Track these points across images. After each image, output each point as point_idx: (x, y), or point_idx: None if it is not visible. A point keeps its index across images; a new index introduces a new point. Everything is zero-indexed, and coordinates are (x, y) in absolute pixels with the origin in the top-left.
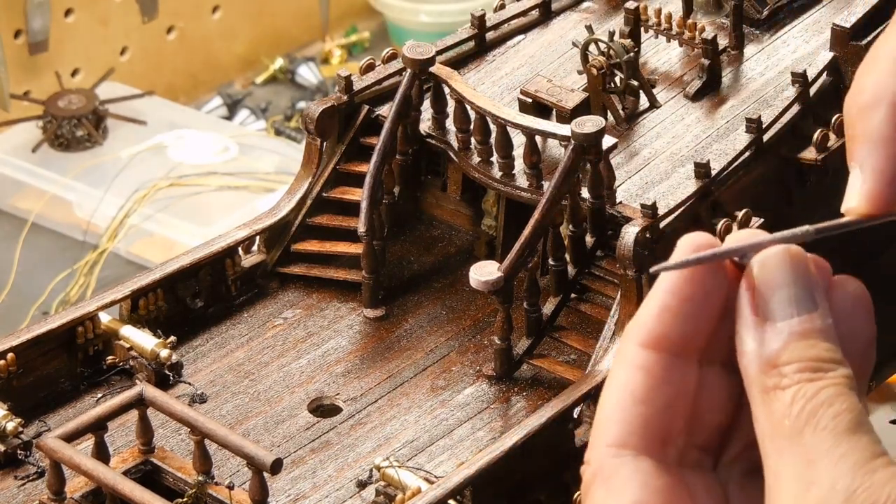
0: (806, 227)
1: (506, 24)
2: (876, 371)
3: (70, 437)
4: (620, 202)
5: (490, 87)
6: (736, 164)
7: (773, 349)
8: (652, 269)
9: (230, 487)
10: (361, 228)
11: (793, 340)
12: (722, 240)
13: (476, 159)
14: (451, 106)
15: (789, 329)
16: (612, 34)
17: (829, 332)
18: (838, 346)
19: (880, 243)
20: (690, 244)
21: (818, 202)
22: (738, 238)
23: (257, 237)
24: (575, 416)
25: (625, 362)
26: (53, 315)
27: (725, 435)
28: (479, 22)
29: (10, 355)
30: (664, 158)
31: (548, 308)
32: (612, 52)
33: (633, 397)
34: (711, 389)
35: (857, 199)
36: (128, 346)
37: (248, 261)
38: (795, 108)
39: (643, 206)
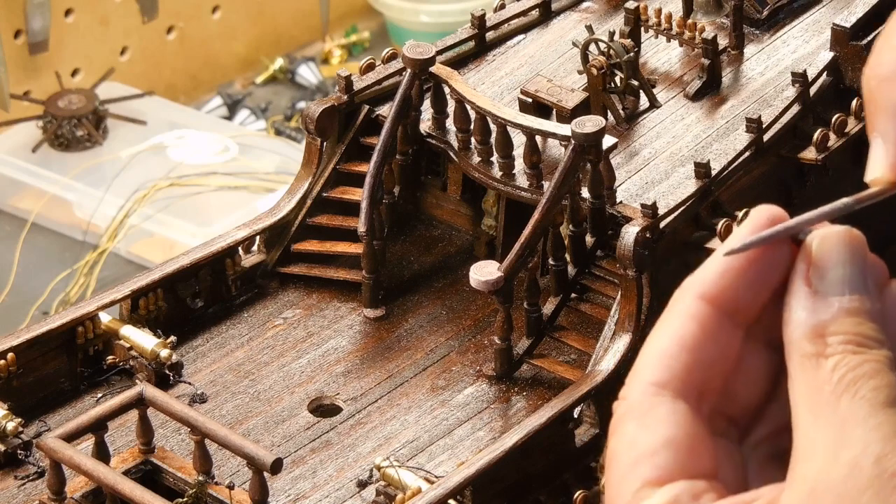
0: (844, 200)
1: (506, 24)
2: None
3: (70, 437)
4: (620, 202)
5: (490, 87)
6: (736, 164)
7: (821, 319)
8: (725, 252)
9: (230, 487)
10: (361, 228)
11: (841, 315)
12: (722, 240)
13: (476, 159)
14: (451, 106)
15: (839, 304)
16: (612, 34)
17: (876, 316)
18: (884, 330)
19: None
20: (765, 217)
21: (818, 202)
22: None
23: (257, 237)
24: (575, 416)
25: (680, 311)
26: (53, 315)
27: (755, 414)
28: (479, 22)
29: (10, 355)
30: (664, 158)
31: (548, 308)
32: (612, 52)
33: (681, 344)
34: (750, 364)
35: (882, 168)
36: (128, 346)
37: (248, 261)
38: (795, 108)
39: (643, 206)
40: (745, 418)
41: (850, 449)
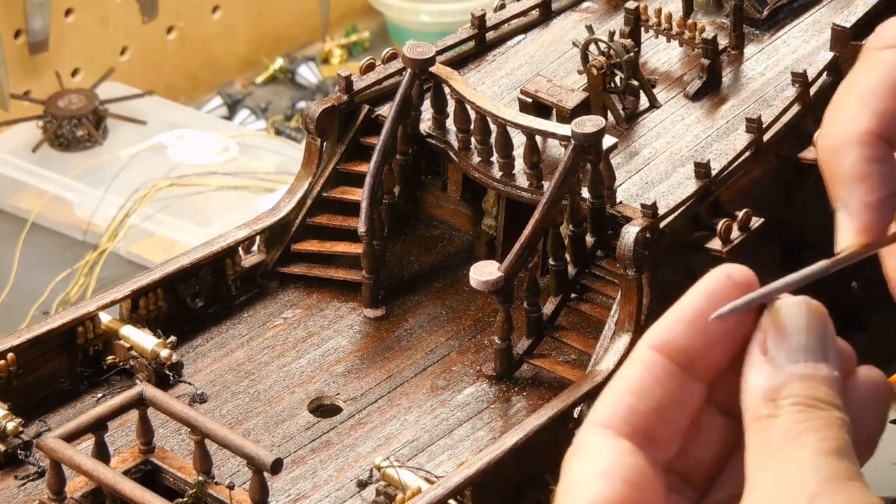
0: (822, 263)
1: (506, 24)
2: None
3: (70, 437)
4: (620, 202)
5: (490, 87)
6: (736, 164)
7: (773, 384)
8: (713, 317)
9: (230, 487)
10: (361, 228)
11: (794, 380)
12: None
13: (476, 159)
14: (451, 106)
15: (793, 370)
16: (612, 34)
17: (833, 383)
18: (841, 399)
19: None
20: (731, 279)
21: (818, 202)
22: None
23: (257, 237)
24: (575, 416)
25: (631, 359)
26: (53, 315)
27: (712, 479)
28: (479, 22)
29: (10, 355)
30: (664, 158)
31: (548, 308)
32: (612, 52)
33: (627, 388)
34: (710, 429)
35: (850, 237)
36: (128, 346)
37: (248, 261)
38: (795, 108)
39: (643, 206)
40: (701, 481)
41: (788, 490)
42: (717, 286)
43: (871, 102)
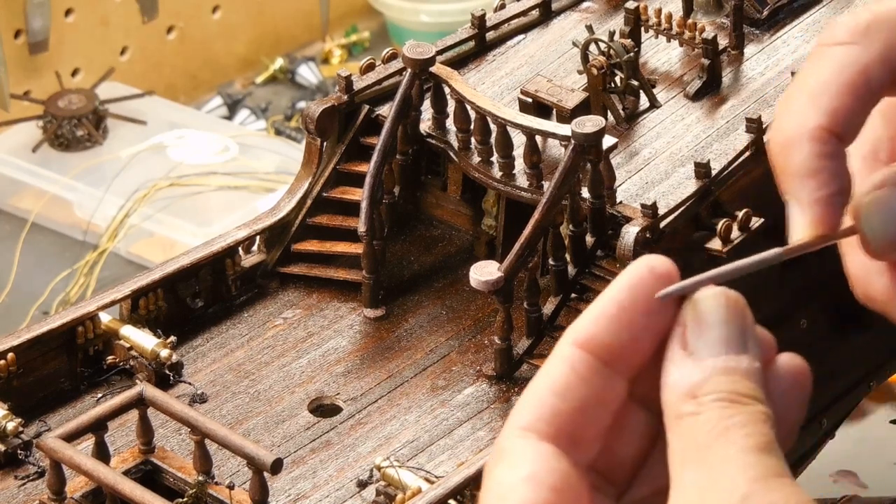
0: (775, 250)
1: (506, 24)
2: (876, 371)
3: (70, 437)
4: (620, 202)
5: (490, 87)
6: (736, 164)
7: (693, 380)
8: (657, 295)
9: (230, 487)
10: (361, 228)
11: (715, 374)
12: (722, 240)
13: (476, 159)
14: (451, 106)
15: (713, 364)
16: (612, 34)
17: (754, 375)
18: (763, 390)
19: None
20: (652, 273)
21: None
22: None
23: (257, 237)
24: None
25: (554, 356)
26: (53, 315)
27: (633, 475)
28: (479, 22)
29: (10, 355)
30: (664, 158)
31: (548, 308)
32: (612, 52)
33: (549, 388)
34: (630, 424)
35: (802, 230)
36: (128, 346)
37: (248, 261)
38: None
39: (643, 206)
40: (622, 476)
41: (718, 491)
42: (639, 279)
43: (821, 99)
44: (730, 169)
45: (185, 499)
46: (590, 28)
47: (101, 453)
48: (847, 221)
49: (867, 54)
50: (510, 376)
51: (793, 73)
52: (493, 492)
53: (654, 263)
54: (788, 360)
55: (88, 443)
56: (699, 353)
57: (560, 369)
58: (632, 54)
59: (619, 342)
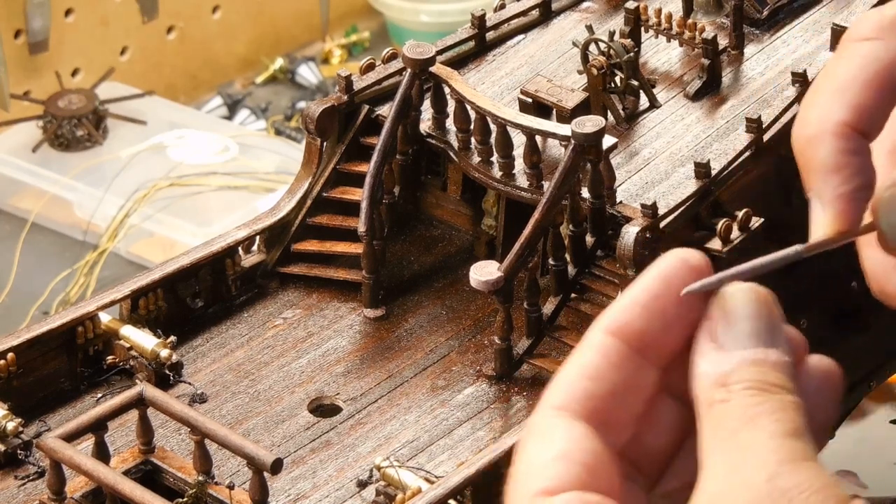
0: (795, 248)
1: (506, 24)
2: (876, 371)
3: (70, 437)
4: (620, 202)
5: (490, 87)
6: (736, 164)
7: (723, 370)
8: (684, 292)
9: (230, 487)
10: (361, 228)
11: (744, 365)
12: (722, 240)
13: (476, 159)
14: (451, 106)
15: (742, 356)
16: (612, 34)
17: (784, 368)
18: (793, 382)
19: None
20: (685, 264)
21: None
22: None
23: (257, 237)
24: None
25: (586, 343)
26: (53, 315)
27: (664, 466)
28: (479, 22)
29: (10, 355)
30: (664, 158)
31: (548, 308)
32: (612, 52)
33: (582, 372)
34: (662, 415)
35: (824, 227)
36: (128, 346)
37: (248, 261)
38: (795, 108)
39: (643, 206)
40: (653, 468)
41: (746, 471)
42: (673, 270)
43: (846, 94)
44: (730, 169)
45: (185, 499)
46: (590, 28)
47: (101, 453)
48: (868, 217)
49: (892, 50)
50: (510, 376)
51: (793, 73)
52: (526, 469)
53: (688, 255)
54: (819, 361)
55: (88, 443)
56: (728, 346)
57: (592, 355)
58: (632, 54)
59: (650, 331)
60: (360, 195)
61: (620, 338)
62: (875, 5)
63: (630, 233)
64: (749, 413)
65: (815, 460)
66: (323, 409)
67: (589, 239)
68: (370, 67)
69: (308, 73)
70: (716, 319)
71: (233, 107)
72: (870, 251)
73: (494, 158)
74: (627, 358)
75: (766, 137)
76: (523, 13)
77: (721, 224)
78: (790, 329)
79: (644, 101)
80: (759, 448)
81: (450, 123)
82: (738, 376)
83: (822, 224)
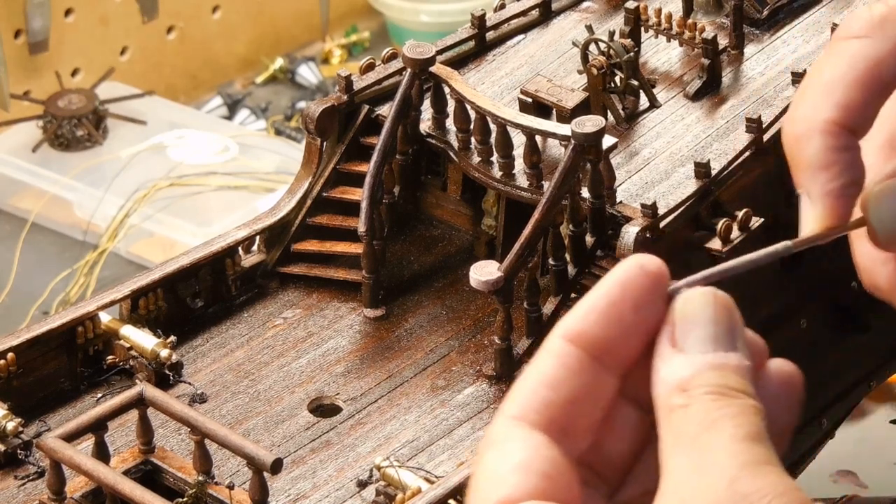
0: (784, 243)
1: (506, 24)
2: (876, 371)
3: (70, 437)
4: (620, 202)
5: (490, 87)
6: (736, 164)
7: (683, 375)
8: (669, 289)
9: (230, 487)
10: (361, 228)
11: (704, 369)
12: (722, 240)
13: (476, 159)
14: (451, 106)
15: (703, 360)
16: (612, 34)
17: (744, 372)
18: (753, 387)
19: None
20: (643, 270)
21: None
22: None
23: (257, 237)
24: None
25: (544, 350)
26: (53, 315)
27: (624, 473)
28: (479, 22)
29: (10, 355)
30: (664, 158)
31: (548, 308)
32: (612, 51)
33: (540, 380)
34: (622, 421)
35: (813, 223)
36: (128, 346)
37: (248, 261)
38: None
39: (643, 205)
40: (614, 475)
41: (706, 475)
42: (631, 276)
43: (835, 92)
44: (730, 169)
45: (185, 499)
46: (590, 28)
47: (101, 453)
48: (858, 212)
49: (881, 48)
50: (510, 376)
51: (793, 73)
52: (484, 480)
53: (645, 262)
54: (780, 365)
55: (88, 443)
56: (688, 350)
57: (550, 363)
58: (632, 54)
59: (608, 338)
60: (360, 195)
61: (578, 345)
62: None
63: (630, 233)
64: (709, 417)
65: (776, 464)
66: (323, 409)
67: (589, 239)
68: (370, 67)
69: (308, 73)
70: (675, 324)
71: (233, 107)
72: (860, 245)
73: (494, 158)
74: (586, 365)
75: (766, 137)
76: (523, 13)
77: (721, 224)
78: (750, 333)
79: (644, 101)
80: (720, 452)
81: (450, 123)
82: (698, 381)
83: (811, 220)
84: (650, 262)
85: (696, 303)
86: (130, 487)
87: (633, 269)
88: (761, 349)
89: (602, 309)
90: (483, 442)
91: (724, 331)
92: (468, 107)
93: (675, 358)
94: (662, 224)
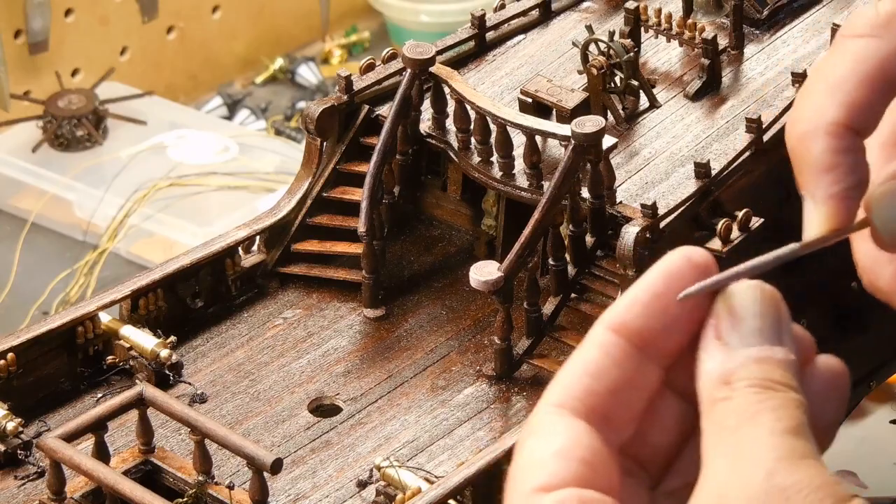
0: (791, 246)
1: (506, 24)
2: (876, 371)
3: (70, 437)
4: (620, 202)
5: (490, 87)
6: (736, 164)
7: (727, 367)
8: (679, 297)
9: (230, 487)
10: (361, 228)
11: (748, 363)
12: (722, 240)
13: (476, 159)
14: (451, 106)
15: (747, 354)
16: (612, 34)
17: (789, 366)
18: (798, 381)
19: None
20: (689, 263)
21: None
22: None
23: (257, 237)
24: None
25: (588, 341)
26: (53, 315)
27: (668, 464)
28: (479, 22)
29: (10, 355)
30: (664, 158)
31: (548, 308)
32: (612, 52)
33: (583, 369)
34: (666, 412)
35: (816, 227)
36: (128, 346)
37: (248, 261)
38: None
39: (643, 206)
40: (657, 466)
41: (745, 468)
42: (676, 268)
43: (839, 92)
44: (730, 169)
45: (185, 499)
46: (590, 28)
47: (101, 453)
48: (861, 213)
49: (886, 47)
50: (510, 376)
51: (793, 73)
52: (524, 466)
53: (692, 254)
54: (827, 361)
55: (88, 443)
56: (733, 344)
57: (594, 352)
58: (632, 54)
59: (652, 329)
60: (360, 195)
61: (622, 335)
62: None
63: (630, 233)
64: (750, 410)
65: (815, 458)
66: (323, 409)
67: (589, 239)
68: (370, 67)
69: (308, 73)
70: (721, 317)
71: (233, 107)
72: (861, 244)
73: (494, 158)
74: (629, 355)
75: (766, 137)
76: (523, 13)
77: (721, 224)
78: (798, 328)
79: (644, 101)
80: (759, 445)
81: (450, 123)
82: (742, 374)
83: (814, 223)
84: (697, 255)
85: (744, 296)
86: (130, 487)
87: (679, 261)
88: (809, 344)
89: (646, 300)
90: (524, 429)
91: (770, 324)
92: (468, 107)
93: (719, 351)
94: (662, 224)
